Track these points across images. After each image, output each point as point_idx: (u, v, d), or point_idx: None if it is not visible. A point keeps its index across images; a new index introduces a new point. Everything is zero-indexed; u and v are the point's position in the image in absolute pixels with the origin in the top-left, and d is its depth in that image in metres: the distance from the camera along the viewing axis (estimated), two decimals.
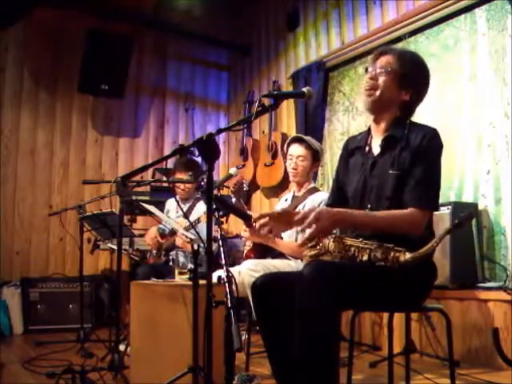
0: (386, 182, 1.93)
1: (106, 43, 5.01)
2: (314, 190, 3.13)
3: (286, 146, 3.19)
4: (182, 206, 3.80)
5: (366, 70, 2.03)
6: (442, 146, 1.94)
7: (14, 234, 4.91)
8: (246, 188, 3.00)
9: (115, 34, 5.11)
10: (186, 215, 3.52)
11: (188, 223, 3.32)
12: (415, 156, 1.89)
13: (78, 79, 5.07)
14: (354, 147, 2.12)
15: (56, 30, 5.18)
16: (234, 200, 2.96)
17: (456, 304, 3.12)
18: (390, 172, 1.91)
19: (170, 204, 4.06)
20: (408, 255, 1.73)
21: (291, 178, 3.16)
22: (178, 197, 3.87)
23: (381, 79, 1.97)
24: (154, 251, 3.80)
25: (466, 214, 1.72)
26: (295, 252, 2.89)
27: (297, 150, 3.08)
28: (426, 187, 1.85)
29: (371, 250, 1.81)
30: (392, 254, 1.76)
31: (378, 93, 1.96)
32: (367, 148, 2.05)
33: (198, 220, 3.21)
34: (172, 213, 3.98)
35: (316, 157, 3.09)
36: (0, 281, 4.58)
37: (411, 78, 1.96)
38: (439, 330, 3.15)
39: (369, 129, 2.10)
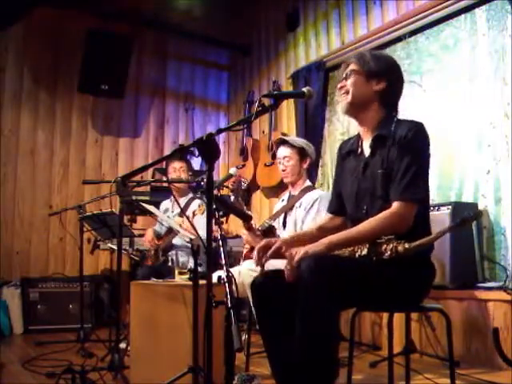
0: (376, 181, 1.93)
1: (106, 43, 5.01)
2: (309, 188, 3.17)
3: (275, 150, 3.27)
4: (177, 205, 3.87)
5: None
6: (427, 139, 1.92)
7: (13, 234, 4.91)
8: (244, 186, 3.01)
9: (115, 34, 5.11)
10: (183, 211, 3.59)
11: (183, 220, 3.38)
12: (399, 150, 1.88)
13: (77, 79, 5.07)
14: (347, 151, 2.12)
15: (56, 30, 5.18)
16: (232, 198, 2.98)
17: (456, 304, 3.12)
18: (379, 171, 1.92)
19: (165, 206, 4.13)
20: (407, 245, 1.74)
21: (284, 180, 3.23)
22: (174, 194, 3.92)
23: (348, 82, 2.00)
24: (152, 251, 3.81)
25: (472, 214, 1.72)
26: None
27: (281, 151, 3.16)
28: (409, 180, 1.84)
29: (371, 243, 1.81)
30: (391, 244, 1.77)
31: (349, 93, 1.98)
32: (359, 150, 2.06)
33: (193, 214, 3.24)
34: (167, 214, 4.01)
35: (302, 154, 3.13)
36: (0, 281, 4.58)
37: (376, 69, 1.97)
38: (439, 329, 3.15)
39: (359, 132, 2.11)
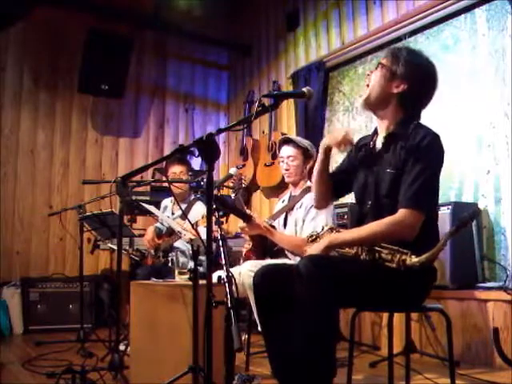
0: (383, 179, 1.94)
1: (106, 43, 5.01)
2: (310, 188, 3.14)
3: (277, 149, 3.23)
4: (179, 207, 3.82)
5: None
6: (442, 151, 1.92)
7: (13, 234, 4.91)
8: (244, 184, 2.99)
9: (115, 33, 5.11)
10: (186, 215, 3.54)
11: (185, 224, 3.34)
12: (411, 155, 1.87)
13: (77, 79, 5.07)
14: (362, 144, 2.15)
15: (56, 30, 5.18)
16: (233, 196, 2.96)
17: (456, 304, 3.12)
18: (388, 171, 1.92)
19: (165, 204, 4.09)
20: (415, 259, 1.72)
21: (286, 179, 3.21)
22: (174, 197, 3.88)
23: (372, 76, 2.01)
24: (152, 250, 3.81)
25: (470, 213, 1.71)
26: (294, 246, 2.87)
27: (286, 150, 3.11)
28: (418, 189, 1.83)
29: (375, 250, 1.81)
30: (398, 256, 1.75)
31: (368, 89, 2.01)
32: (371, 144, 2.08)
33: (196, 224, 3.21)
34: (167, 213, 3.98)
35: (307, 154, 3.11)
36: (0, 281, 4.58)
37: (402, 73, 1.96)
38: (439, 329, 3.15)
39: (376, 127, 2.12)
